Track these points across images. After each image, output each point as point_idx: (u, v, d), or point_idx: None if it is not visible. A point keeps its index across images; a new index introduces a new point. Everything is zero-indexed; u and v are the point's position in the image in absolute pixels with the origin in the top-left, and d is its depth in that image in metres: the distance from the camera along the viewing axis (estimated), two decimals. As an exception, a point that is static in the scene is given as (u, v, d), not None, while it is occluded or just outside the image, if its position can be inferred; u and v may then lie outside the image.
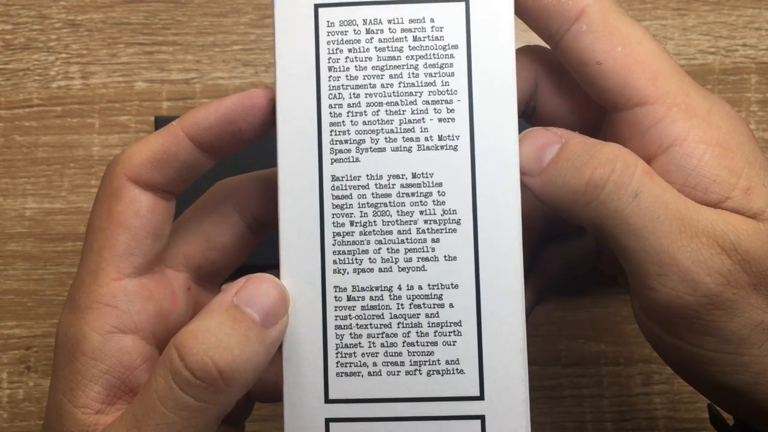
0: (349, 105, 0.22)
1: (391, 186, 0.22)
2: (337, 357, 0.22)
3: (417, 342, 0.22)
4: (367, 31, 0.22)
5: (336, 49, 0.22)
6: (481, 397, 0.22)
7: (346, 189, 0.22)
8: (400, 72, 0.22)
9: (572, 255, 0.29)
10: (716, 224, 0.21)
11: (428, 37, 0.22)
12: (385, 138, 0.22)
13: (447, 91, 0.22)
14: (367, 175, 0.22)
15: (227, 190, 0.26)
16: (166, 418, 0.20)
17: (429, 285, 0.22)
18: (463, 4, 0.22)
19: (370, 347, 0.22)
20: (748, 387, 0.22)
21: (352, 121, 0.22)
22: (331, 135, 0.22)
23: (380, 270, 0.22)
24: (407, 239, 0.22)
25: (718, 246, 0.21)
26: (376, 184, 0.22)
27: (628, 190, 0.21)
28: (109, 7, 0.39)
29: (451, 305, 0.22)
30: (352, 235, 0.22)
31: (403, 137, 0.22)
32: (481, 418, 0.22)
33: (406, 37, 0.22)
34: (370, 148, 0.22)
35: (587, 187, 0.22)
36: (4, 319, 0.38)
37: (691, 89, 0.22)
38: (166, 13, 0.39)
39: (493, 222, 0.22)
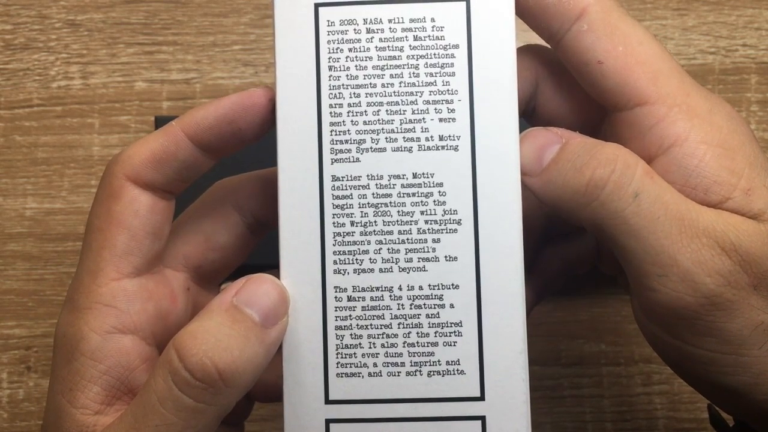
0: (349, 105, 0.22)
1: (392, 186, 0.22)
2: (337, 357, 0.22)
3: (417, 342, 0.22)
4: (368, 31, 0.22)
5: (336, 49, 0.22)
6: (481, 398, 0.22)
7: (346, 189, 0.22)
8: (401, 72, 0.22)
9: (572, 255, 0.29)
10: (717, 225, 0.21)
11: (429, 36, 0.22)
12: (386, 138, 0.22)
13: (448, 90, 0.22)
14: (368, 175, 0.22)
15: (227, 189, 0.26)
16: (165, 419, 0.20)
17: (429, 285, 0.22)
18: (463, 3, 0.22)
19: (370, 348, 0.22)
20: (748, 388, 0.22)
21: (352, 121, 0.22)
22: (331, 135, 0.22)
23: (381, 270, 0.22)
24: (408, 239, 0.22)
25: (719, 247, 0.21)
26: (376, 184, 0.22)
27: (628, 191, 0.21)
28: (109, 7, 0.39)
29: (451, 305, 0.22)
30: (353, 236, 0.22)
31: (404, 137, 0.22)
32: (482, 418, 0.22)
33: (406, 37, 0.22)
34: (371, 148, 0.22)
35: (587, 187, 0.22)
36: (4, 319, 0.38)
37: (692, 89, 0.22)
38: (166, 13, 0.39)
39: (493, 222, 0.22)
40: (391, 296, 0.22)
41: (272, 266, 0.23)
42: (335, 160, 0.22)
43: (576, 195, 0.22)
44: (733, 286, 0.21)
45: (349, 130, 0.22)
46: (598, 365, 0.37)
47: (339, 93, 0.22)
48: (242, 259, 0.27)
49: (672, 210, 0.21)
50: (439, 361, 0.22)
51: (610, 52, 0.22)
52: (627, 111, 0.22)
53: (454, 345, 0.22)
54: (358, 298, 0.22)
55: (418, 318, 0.22)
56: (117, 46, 0.39)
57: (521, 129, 0.23)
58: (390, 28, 0.22)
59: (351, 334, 0.22)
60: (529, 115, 0.26)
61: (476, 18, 0.22)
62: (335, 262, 0.22)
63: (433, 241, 0.22)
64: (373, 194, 0.22)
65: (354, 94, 0.22)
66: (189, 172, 0.23)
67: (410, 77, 0.22)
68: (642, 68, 0.22)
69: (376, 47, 0.22)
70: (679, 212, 0.21)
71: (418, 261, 0.22)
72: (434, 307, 0.22)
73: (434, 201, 0.22)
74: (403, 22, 0.22)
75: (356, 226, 0.22)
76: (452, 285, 0.22)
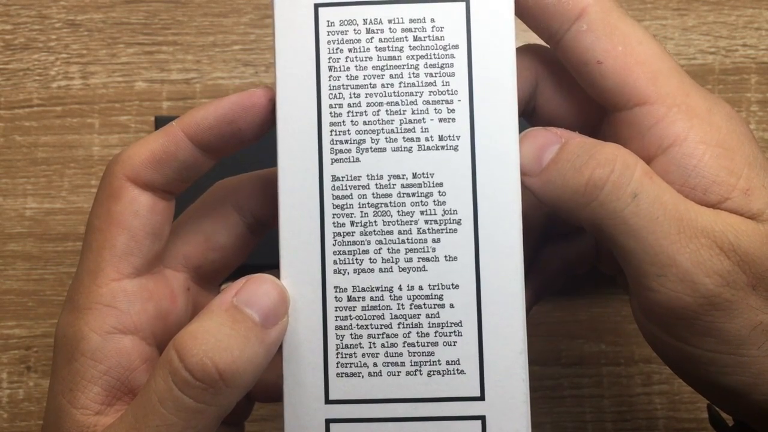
0: (349, 105, 0.22)
1: (392, 186, 0.22)
2: (337, 357, 0.22)
3: (417, 342, 0.22)
4: (368, 31, 0.22)
5: (336, 49, 0.22)
6: (481, 398, 0.22)
7: (346, 189, 0.22)
8: (401, 72, 0.22)
9: (571, 255, 0.29)
10: (715, 225, 0.21)
11: (429, 36, 0.22)
12: (386, 138, 0.22)
13: (447, 91, 0.22)
14: (368, 175, 0.22)
15: (227, 189, 0.26)
16: (165, 420, 0.20)
17: (429, 285, 0.22)
18: (463, 3, 0.22)
19: (370, 348, 0.22)
20: (747, 388, 0.22)
21: (352, 121, 0.22)
22: (331, 135, 0.22)
23: (381, 270, 0.22)
24: (408, 239, 0.22)
25: (717, 247, 0.21)
26: (376, 184, 0.22)
27: (627, 191, 0.21)
28: (109, 7, 0.39)
29: (451, 305, 0.22)
30: (353, 236, 0.22)
31: (404, 137, 0.22)
32: (482, 418, 0.22)
33: (406, 37, 0.22)
34: (371, 148, 0.22)
35: (586, 187, 0.22)
36: (4, 319, 0.38)
37: (691, 89, 0.22)
38: (166, 13, 0.39)
39: (493, 222, 0.22)
40: (391, 296, 0.22)
41: (272, 266, 0.23)
42: (335, 160, 0.22)
43: (575, 195, 0.22)
44: (731, 286, 0.21)
45: (349, 130, 0.22)
46: (598, 365, 0.37)
47: (339, 93, 0.22)
48: (242, 259, 0.27)
49: (671, 210, 0.21)
50: (439, 360, 0.22)
51: (609, 52, 0.22)
52: (626, 111, 0.22)
53: (454, 345, 0.22)
54: (358, 298, 0.22)
55: (418, 318, 0.22)
56: (117, 46, 0.39)
57: (521, 129, 0.23)
58: (390, 29, 0.22)
59: (351, 334, 0.22)
60: (529, 115, 0.26)
61: (476, 18, 0.22)
62: (335, 262, 0.22)
63: (433, 241, 0.22)
64: (373, 194, 0.22)
65: (354, 94, 0.22)
66: (189, 172, 0.23)
67: (410, 77, 0.22)
68: (641, 68, 0.22)
69: (376, 47, 0.22)
70: (678, 212, 0.21)
71: (418, 261, 0.22)
72: (434, 307, 0.22)
73: (434, 201, 0.22)
74: (402, 23, 0.22)
75: (356, 226, 0.22)
76: (452, 285, 0.22)
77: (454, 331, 0.22)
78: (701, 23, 0.39)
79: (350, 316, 0.22)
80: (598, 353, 0.37)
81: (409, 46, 0.22)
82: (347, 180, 0.22)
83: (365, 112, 0.22)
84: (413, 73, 0.22)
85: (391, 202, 0.22)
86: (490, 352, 0.22)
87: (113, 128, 0.39)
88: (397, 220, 0.22)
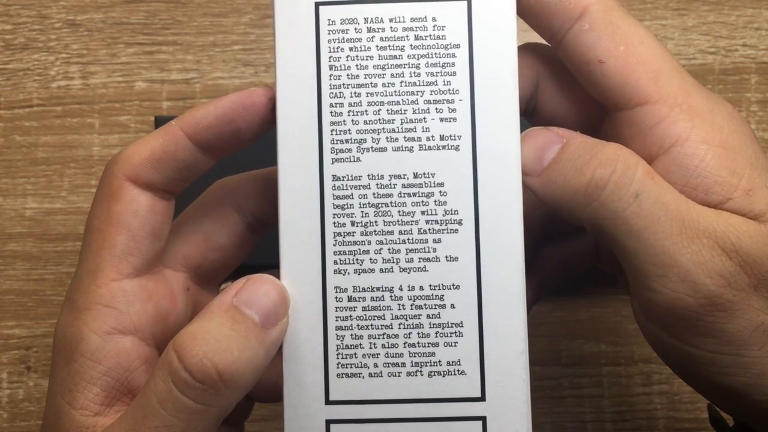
0: (350, 104, 0.22)
1: (393, 186, 0.22)
2: (337, 358, 0.22)
3: (418, 343, 0.22)
4: (369, 30, 0.22)
5: (337, 48, 0.22)
6: (482, 398, 0.22)
7: (347, 189, 0.22)
8: (402, 71, 0.22)
9: (571, 254, 0.29)
10: (717, 225, 0.21)
11: (430, 36, 0.22)
12: (387, 138, 0.22)
13: (449, 90, 0.22)
14: (369, 175, 0.22)
15: (226, 189, 0.26)
16: (165, 421, 0.20)
17: (430, 285, 0.22)
18: (465, 3, 0.22)
19: (371, 348, 0.22)
20: (748, 388, 0.22)
21: (353, 121, 0.22)
22: (331, 134, 0.22)
23: (381, 270, 0.22)
24: (408, 239, 0.22)
25: (719, 247, 0.21)
26: (377, 184, 0.22)
27: (628, 191, 0.21)
28: (109, 7, 0.39)
29: (452, 306, 0.22)
30: (353, 236, 0.22)
31: (405, 137, 0.22)
32: (483, 419, 0.22)
33: (407, 36, 0.22)
34: (372, 147, 0.22)
35: (588, 187, 0.22)
36: (4, 319, 0.38)
37: (693, 89, 0.22)
38: (166, 13, 0.39)
39: (494, 222, 0.22)
40: (391, 296, 0.22)
41: (272, 266, 0.23)
42: (336, 160, 0.22)
43: (576, 195, 0.22)
44: (733, 287, 0.21)
45: (349, 130, 0.22)
46: (598, 365, 0.37)
47: (340, 92, 0.22)
48: (242, 259, 0.27)
49: (672, 210, 0.21)
50: (439, 361, 0.22)
51: (611, 52, 0.22)
52: (628, 110, 0.22)
53: (455, 345, 0.22)
54: (359, 298, 0.22)
55: (419, 318, 0.22)
56: (117, 46, 0.39)
57: (522, 128, 0.23)
58: (391, 28, 0.22)
59: (351, 335, 0.22)
60: (530, 115, 0.26)
61: (477, 17, 0.22)
62: (336, 262, 0.22)
63: (434, 241, 0.22)
64: (373, 194, 0.22)
65: (355, 93, 0.22)
66: (189, 172, 0.23)
67: (411, 77, 0.22)
68: (643, 68, 0.22)
69: (377, 46, 0.22)
70: (680, 213, 0.21)
71: (419, 261, 0.22)
72: (435, 308, 0.22)
73: (435, 201, 0.22)
74: (404, 22, 0.22)
75: (357, 226, 0.22)
76: (453, 285, 0.22)
77: (455, 332, 0.22)
78: (701, 23, 0.39)
79: (351, 316, 0.22)
80: (598, 353, 0.37)
81: (411, 45, 0.22)
82: (348, 180, 0.22)
83: (366, 111, 0.22)
84: (414, 73, 0.22)
85: (391, 202, 0.22)
86: (491, 353, 0.22)
87: (113, 128, 0.38)
88: (398, 220, 0.22)
